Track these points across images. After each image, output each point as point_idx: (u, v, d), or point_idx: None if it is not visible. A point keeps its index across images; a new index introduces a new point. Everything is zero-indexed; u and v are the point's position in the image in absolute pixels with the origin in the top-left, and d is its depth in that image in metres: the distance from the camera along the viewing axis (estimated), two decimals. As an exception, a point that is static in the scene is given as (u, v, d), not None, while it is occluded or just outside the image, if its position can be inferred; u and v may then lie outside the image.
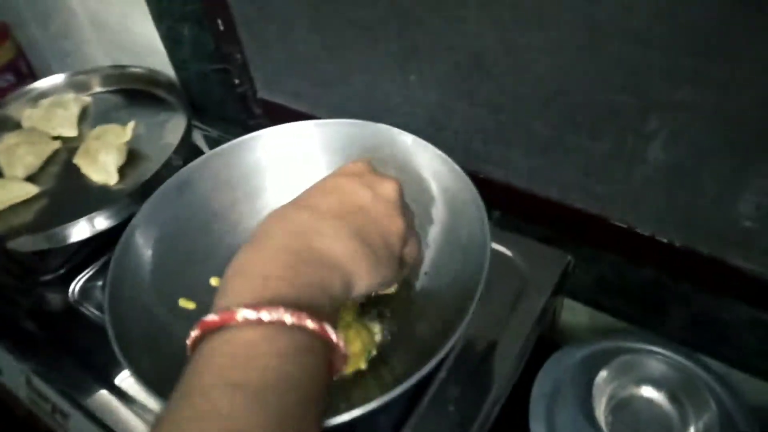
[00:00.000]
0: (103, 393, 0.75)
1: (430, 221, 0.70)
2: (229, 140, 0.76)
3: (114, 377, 0.75)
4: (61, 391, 0.77)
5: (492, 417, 0.65)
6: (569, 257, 0.77)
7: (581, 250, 0.77)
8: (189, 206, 0.74)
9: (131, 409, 0.72)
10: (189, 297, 0.70)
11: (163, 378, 0.54)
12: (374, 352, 0.65)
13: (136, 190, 0.86)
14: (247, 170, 0.77)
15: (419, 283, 0.69)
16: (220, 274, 0.73)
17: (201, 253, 0.74)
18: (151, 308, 0.66)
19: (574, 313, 0.86)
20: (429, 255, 0.68)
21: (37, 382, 0.81)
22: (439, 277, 0.67)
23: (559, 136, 0.68)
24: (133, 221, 0.68)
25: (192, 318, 0.65)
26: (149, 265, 0.69)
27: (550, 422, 0.68)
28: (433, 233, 0.69)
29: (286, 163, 0.78)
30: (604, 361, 0.68)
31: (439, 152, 0.67)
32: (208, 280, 0.73)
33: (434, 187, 0.69)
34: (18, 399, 0.86)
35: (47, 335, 0.85)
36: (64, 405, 0.77)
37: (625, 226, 0.70)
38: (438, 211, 0.69)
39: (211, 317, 0.38)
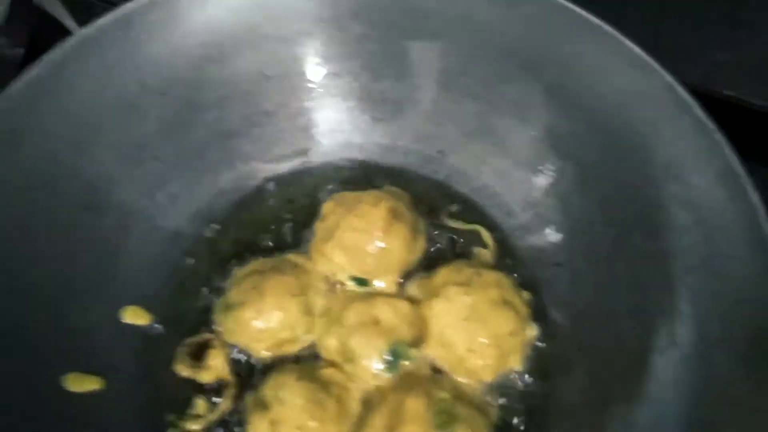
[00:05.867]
0: None
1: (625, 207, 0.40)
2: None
3: None
4: None
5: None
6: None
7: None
8: (39, 159, 0.40)
9: None
10: (85, 364, 0.39)
11: None
12: None
13: None
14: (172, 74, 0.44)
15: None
16: (143, 295, 0.44)
17: (91, 258, 0.42)
18: None
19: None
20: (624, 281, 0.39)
21: None
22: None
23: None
24: None
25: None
26: None
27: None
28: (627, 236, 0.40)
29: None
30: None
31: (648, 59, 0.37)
32: (114, 315, 0.42)
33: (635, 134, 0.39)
34: None
35: None
36: None
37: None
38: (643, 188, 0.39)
39: None
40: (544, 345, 0.42)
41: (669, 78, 0.39)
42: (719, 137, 0.37)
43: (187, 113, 0.47)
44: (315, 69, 0.49)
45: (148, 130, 0.45)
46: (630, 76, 0.40)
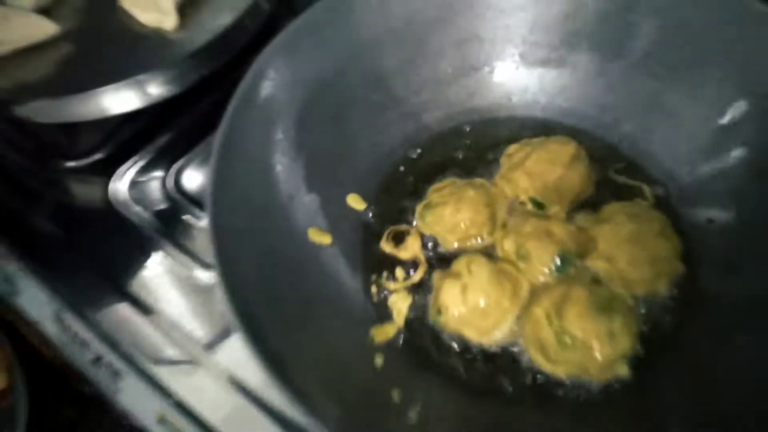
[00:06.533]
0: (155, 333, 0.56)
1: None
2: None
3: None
4: (104, 336, 0.57)
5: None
6: None
7: None
8: (320, 69, 0.54)
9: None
10: (320, 221, 0.52)
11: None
12: (639, 351, 0.46)
13: (209, 46, 0.63)
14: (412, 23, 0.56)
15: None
16: (358, 187, 0.58)
17: (334, 148, 0.56)
18: (266, 231, 0.49)
19: None
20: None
21: (71, 321, 0.62)
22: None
23: None
24: (246, 83, 0.49)
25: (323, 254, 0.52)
26: (267, 159, 0.51)
27: None
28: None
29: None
30: None
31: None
32: (342, 196, 0.56)
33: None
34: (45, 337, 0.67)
35: (77, 244, 0.63)
36: (113, 358, 0.57)
37: None
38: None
39: None
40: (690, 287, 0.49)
41: None
42: None
43: (414, 64, 0.59)
44: (528, 38, 0.59)
45: (391, 62, 0.58)
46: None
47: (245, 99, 0.51)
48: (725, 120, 0.52)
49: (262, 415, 0.50)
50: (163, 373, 0.54)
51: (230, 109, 0.50)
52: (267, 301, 0.44)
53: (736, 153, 0.51)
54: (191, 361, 0.55)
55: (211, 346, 0.56)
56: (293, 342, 0.43)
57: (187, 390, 0.53)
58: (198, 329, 0.56)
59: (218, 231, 0.44)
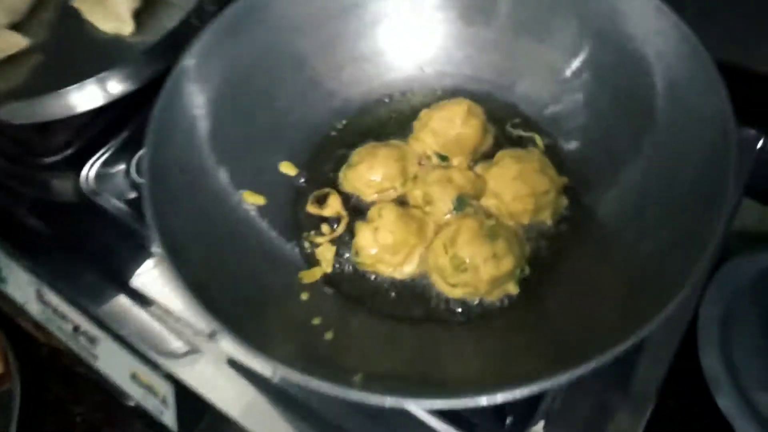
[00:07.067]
0: (132, 307, 0.65)
1: (640, 113, 0.55)
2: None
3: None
4: (81, 306, 0.66)
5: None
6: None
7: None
8: (246, 57, 0.62)
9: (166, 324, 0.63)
10: (254, 188, 0.59)
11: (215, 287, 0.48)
12: (527, 272, 0.55)
13: (160, 44, 0.70)
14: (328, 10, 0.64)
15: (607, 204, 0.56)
16: (290, 155, 0.66)
17: (266, 124, 0.63)
18: (204, 202, 0.56)
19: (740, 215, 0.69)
20: (635, 166, 0.55)
21: (51, 297, 0.70)
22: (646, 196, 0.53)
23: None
24: (173, 78, 0.56)
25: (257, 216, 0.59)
26: (200, 139, 0.57)
27: (725, 351, 0.58)
28: (642, 131, 0.55)
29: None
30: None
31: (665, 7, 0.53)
32: (275, 165, 0.63)
33: (651, 62, 0.54)
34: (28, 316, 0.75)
35: (56, 233, 0.73)
36: (89, 325, 0.66)
37: None
38: (653, 99, 0.55)
39: None
40: (571, 214, 0.58)
41: (676, 19, 0.53)
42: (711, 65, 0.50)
43: (334, 46, 0.67)
44: (431, 14, 0.67)
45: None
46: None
47: (174, 83, 0.57)
48: (577, 63, 0.61)
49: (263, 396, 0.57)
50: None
51: (164, 88, 0.55)
52: (206, 254, 0.51)
53: (593, 88, 0.60)
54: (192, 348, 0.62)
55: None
56: (231, 289, 0.50)
57: (191, 376, 0.60)
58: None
59: (154, 198, 0.50)
